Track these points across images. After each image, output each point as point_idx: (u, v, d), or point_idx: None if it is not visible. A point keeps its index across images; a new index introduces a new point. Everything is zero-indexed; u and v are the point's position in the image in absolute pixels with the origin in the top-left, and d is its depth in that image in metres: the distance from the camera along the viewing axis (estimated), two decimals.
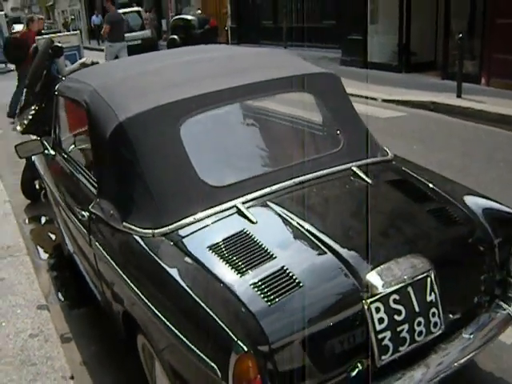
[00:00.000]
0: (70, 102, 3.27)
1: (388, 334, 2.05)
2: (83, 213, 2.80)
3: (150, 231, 2.33)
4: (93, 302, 3.57)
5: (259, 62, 3.18)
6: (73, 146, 3.40)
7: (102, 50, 23.56)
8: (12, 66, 22.07)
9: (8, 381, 2.82)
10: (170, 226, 2.31)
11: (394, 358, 2.08)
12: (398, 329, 2.07)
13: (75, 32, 12.31)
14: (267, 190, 2.43)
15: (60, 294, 3.91)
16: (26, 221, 5.41)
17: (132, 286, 2.29)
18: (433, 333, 2.17)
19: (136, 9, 24.48)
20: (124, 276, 2.37)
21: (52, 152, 3.70)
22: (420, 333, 2.12)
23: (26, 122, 5.71)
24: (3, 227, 4.85)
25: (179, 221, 2.31)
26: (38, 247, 4.80)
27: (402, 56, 11.84)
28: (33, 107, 5.68)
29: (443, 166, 3.06)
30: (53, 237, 4.97)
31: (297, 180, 2.49)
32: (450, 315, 2.25)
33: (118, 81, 2.99)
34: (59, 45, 5.89)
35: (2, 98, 14.05)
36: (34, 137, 5.88)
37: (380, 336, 2.03)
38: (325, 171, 2.59)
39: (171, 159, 2.48)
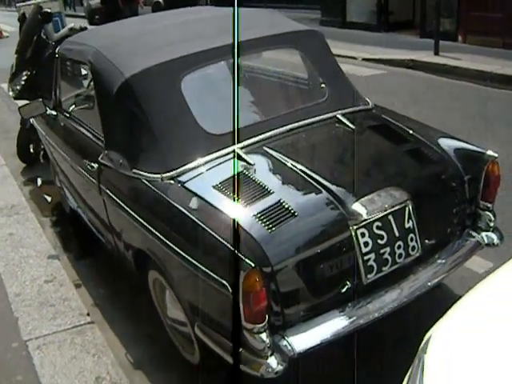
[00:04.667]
0: (73, 63, 3.49)
1: (372, 255, 2.36)
2: (92, 164, 3.05)
3: (159, 175, 2.60)
4: (98, 253, 3.87)
5: (249, 22, 3.41)
6: (76, 105, 3.62)
7: (78, 17, 23.32)
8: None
9: (31, 319, 3.10)
10: (177, 170, 2.58)
11: (378, 276, 2.40)
12: (381, 251, 2.38)
13: None
14: (262, 136, 2.71)
15: (67, 247, 4.17)
16: (24, 183, 5.61)
17: (146, 224, 2.57)
18: (411, 255, 2.48)
19: None
20: (136, 216, 2.64)
21: (54, 112, 3.92)
22: (400, 255, 2.44)
23: (18, 87, 5.87)
24: (5, 188, 5.09)
25: (185, 165, 2.59)
26: (40, 206, 5.02)
27: (380, 15, 12.05)
28: (24, 73, 5.84)
29: (418, 118, 3.36)
30: (49, 197, 5.19)
31: (288, 127, 2.76)
32: (426, 241, 2.56)
33: (120, 41, 3.22)
34: (48, 11, 6.01)
35: None
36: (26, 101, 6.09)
37: (365, 258, 2.34)
38: (313, 119, 2.86)
39: (174, 111, 2.73)
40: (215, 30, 3.21)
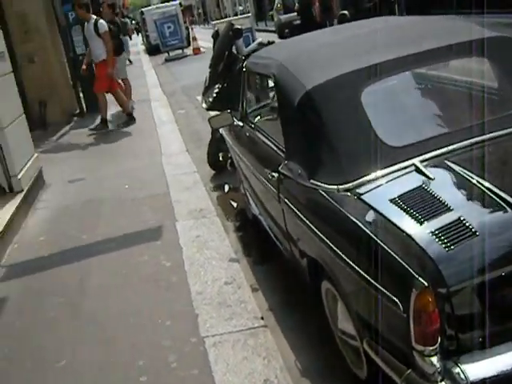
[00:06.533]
0: (259, 76, 3.65)
1: None
2: (273, 174, 3.16)
3: (335, 187, 2.61)
4: (275, 259, 4.00)
5: (432, 30, 3.30)
6: (260, 116, 3.79)
7: (268, 31, 24.36)
8: (188, 52, 23.81)
9: (209, 317, 3.30)
10: (354, 182, 2.57)
11: None
12: None
13: (247, 15, 12.98)
14: (444, 149, 2.59)
15: (247, 251, 4.37)
16: (212, 188, 5.99)
17: (320, 234, 2.60)
18: None
19: None
20: (312, 226, 2.69)
21: (240, 123, 4.14)
22: None
23: (210, 99, 6.31)
24: (195, 193, 5.49)
25: (362, 177, 2.57)
26: (225, 211, 5.33)
27: None
28: (216, 86, 6.26)
29: None
30: (235, 203, 5.49)
31: (474, 140, 2.60)
32: None
33: (302, 54, 3.31)
34: (239, 27, 6.38)
35: (181, 81, 15.35)
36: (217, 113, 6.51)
37: None
38: (502, 132, 2.66)
39: (354, 122, 2.73)
40: (398, 39, 3.16)
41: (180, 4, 26.85)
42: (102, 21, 9.30)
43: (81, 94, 10.94)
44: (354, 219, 2.43)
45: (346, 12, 14.41)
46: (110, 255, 4.32)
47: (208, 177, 6.36)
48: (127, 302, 3.61)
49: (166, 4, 27.19)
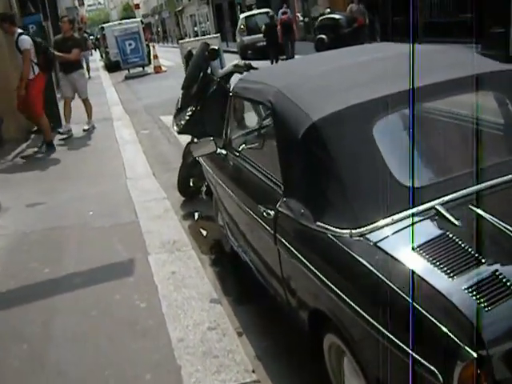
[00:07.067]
0: (250, 102, 3.36)
1: None
2: (268, 211, 2.86)
3: (348, 231, 2.33)
4: (259, 298, 3.69)
5: (439, 60, 3.09)
6: (249, 145, 3.49)
7: (230, 52, 24.25)
8: (148, 70, 23.46)
9: (194, 370, 2.95)
10: (369, 226, 2.29)
11: None
12: None
13: (216, 35, 12.76)
14: (467, 190, 2.35)
15: (227, 289, 4.03)
16: (184, 217, 5.64)
17: (330, 284, 2.30)
18: None
19: (265, 10, 24.97)
20: (319, 274, 2.39)
21: (223, 151, 3.83)
22: None
23: (183, 122, 5.98)
24: (167, 222, 5.13)
25: (378, 221, 2.29)
26: (199, 242, 4.99)
27: None
28: (189, 108, 5.94)
29: None
30: (205, 231, 5.17)
31: (500, 180, 2.37)
32: None
33: (301, 81, 3.03)
34: (215, 47, 6.11)
35: (143, 99, 14.96)
36: (190, 137, 6.19)
37: None
38: None
39: (367, 159, 2.47)
40: (404, 69, 2.92)
41: (141, 21, 26.48)
42: (23, 36, 8.29)
43: None
44: (372, 269, 2.15)
45: (323, 36, 14.43)
46: (76, 293, 3.91)
47: (178, 204, 6.02)
48: (99, 350, 3.21)
49: (127, 21, 26.76)
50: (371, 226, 2.30)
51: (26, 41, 8.23)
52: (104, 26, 28.13)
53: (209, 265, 4.49)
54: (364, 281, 2.19)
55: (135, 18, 30.33)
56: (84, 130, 10.23)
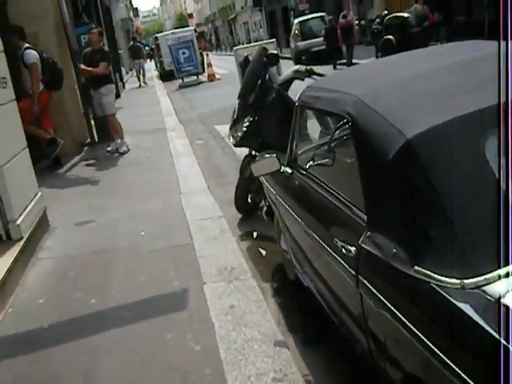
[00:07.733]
0: (321, 114, 2.85)
1: None
2: (348, 247, 2.35)
3: (458, 281, 1.79)
4: (330, 336, 3.19)
5: None
6: (321, 164, 2.98)
7: (284, 58, 23.91)
8: (202, 78, 23.35)
9: None
10: (487, 276, 1.75)
11: None
12: None
13: (271, 40, 12.31)
14: None
15: (292, 325, 3.53)
16: (241, 237, 5.18)
17: (433, 347, 1.77)
18: None
19: (320, 14, 24.48)
20: (418, 333, 1.86)
21: (288, 170, 3.34)
22: None
23: (239, 134, 5.54)
24: (224, 245, 4.66)
25: (499, 269, 1.75)
26: (258, 267, 4.50)
27: None
28: (246, 119, 5.49)
29: None
30: (264, 251, 4.72)
31: None
32: None
33: (385, 88, 2.51)
34: (275, 52, 5.64)
35: (197, 109, 14.69)
36: (247, 149, 5.73)
37: None
38: None
39: (479, 186, 1.92)
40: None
41: (195, 30, 26.40)
42: (29, 50, 7.83)
43: (92, 122, 10.21)
44: (494, 333, 1.61)
45: (391, 37, 13.73)
46: (123, 330, 3.48)
47: (235, 222, 5.55)
48: None
49: (181, 29, 26.77)
50: (491, 275, 1.75)
51: (32, 55, 7.84)
52: (158, 35, 28.23)
53: (271, 296, 3.99)
54: (482, 346, 1.64)
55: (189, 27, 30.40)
56: (107, 152, 9.42)
